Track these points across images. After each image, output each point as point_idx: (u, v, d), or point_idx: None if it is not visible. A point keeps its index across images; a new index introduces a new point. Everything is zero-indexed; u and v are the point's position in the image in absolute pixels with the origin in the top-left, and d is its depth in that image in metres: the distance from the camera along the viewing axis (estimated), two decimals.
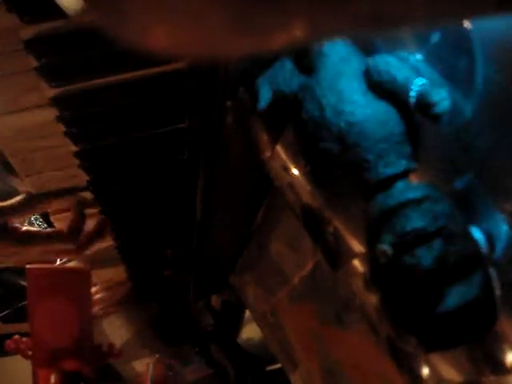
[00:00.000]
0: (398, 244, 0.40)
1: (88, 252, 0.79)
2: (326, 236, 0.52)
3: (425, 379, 0.45)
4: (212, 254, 1.09)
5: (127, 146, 0.68)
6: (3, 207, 0.70)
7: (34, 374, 0.97)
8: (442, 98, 0.38)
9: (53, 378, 0.95)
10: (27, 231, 0.73)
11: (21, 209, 0.70)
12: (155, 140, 0.68)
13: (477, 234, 0.39)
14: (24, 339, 1.00)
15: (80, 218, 0.73)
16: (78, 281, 1.00)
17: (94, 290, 1.14)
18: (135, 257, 1.09)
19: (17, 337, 1.01)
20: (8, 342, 1.01)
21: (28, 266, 0.95)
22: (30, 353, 0.98)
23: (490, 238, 0.38)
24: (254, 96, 0.53)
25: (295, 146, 0.53)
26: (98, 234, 0.78)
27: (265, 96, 0.52)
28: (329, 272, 0.56)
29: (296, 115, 0.49)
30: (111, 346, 1.08)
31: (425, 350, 0.42)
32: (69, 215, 0.73)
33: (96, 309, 1.18)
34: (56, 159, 0.66)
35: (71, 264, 1.07)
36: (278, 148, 0.55)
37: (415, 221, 0.39)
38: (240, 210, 0.90)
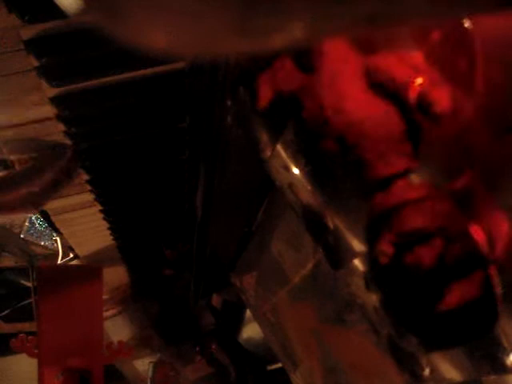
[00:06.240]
0: (398, 243, 0.40)
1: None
2: (326, 235, 0.52)
3: (425, 378, 0.45)
4: (212, 254, 1.09)
5: (127, 146, 0.68)
6: None
7: (40, 373, 0.97)
8: (441, 98, 0.38)
9: (59, 377, 0.95)
10: None
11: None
12: (156, 140, 0.68)
13: (477, 233, 0.39)
14: (30, 337, 1.00)
15: None
16: (90, 279, 0.99)
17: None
18: (135, 257, 1.09)
19: (22, 335, 1.01)
20: (13, 340, 1.01)
21: (38, 265, 0.95)
22: (35, 351, 0.98)
23: (490, 237, 0.38)
24: (254, 95, 0.53)
25: (295, 145, 0.52)
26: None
27: (265, 95, 0.52)
28: (329, 271, 0.56)
29: (296, 114, 0.49)
30: (121, 343, 1.08)
31: (425, 349, 0.42)
32: None
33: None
34: None
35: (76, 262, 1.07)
36: (279, 147, 0.54)
37: (415, 220, 0.39)
38: (240, 209, 0.90)
